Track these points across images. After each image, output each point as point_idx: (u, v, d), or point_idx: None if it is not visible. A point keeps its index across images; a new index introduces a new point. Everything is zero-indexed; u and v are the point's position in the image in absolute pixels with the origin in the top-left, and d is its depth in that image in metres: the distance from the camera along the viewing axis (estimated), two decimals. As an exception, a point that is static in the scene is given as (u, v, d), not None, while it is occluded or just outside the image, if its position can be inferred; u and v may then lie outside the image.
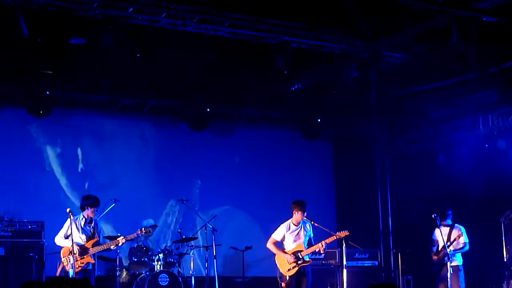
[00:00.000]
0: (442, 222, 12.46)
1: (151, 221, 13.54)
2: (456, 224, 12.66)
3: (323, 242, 11.38)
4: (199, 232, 13.94)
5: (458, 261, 12.35)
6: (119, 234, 11.57)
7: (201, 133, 15.03)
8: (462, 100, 14.68)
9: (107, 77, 13.67)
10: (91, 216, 11.21)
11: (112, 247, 11.31)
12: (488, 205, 14.22)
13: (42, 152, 14.42)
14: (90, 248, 11.06)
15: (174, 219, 15.26)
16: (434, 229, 12.62)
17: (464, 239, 12.53)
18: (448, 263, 11.86)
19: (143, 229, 11.74)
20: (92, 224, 11.25)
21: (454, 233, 12.50)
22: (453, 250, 12.30)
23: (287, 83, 13.90)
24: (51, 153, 14.48)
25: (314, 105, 15.47)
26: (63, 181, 14.47)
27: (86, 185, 14.35)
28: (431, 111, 15.31)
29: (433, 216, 12.08)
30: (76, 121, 14.73)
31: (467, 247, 12.47)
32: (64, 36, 11.40)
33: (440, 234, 12.28)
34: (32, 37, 10.88)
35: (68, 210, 10.86)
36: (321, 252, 11.66)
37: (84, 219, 11.19)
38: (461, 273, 12.28)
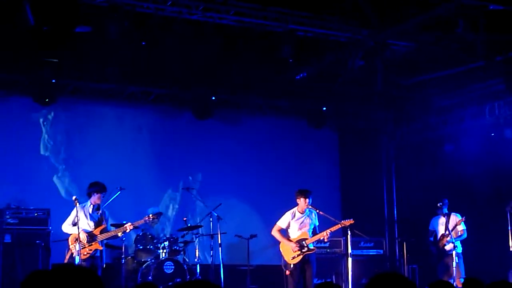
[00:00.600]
0: (442, 212, 12.49)
1: (157, 209, 13.58)
2: (452, 213, 12.69)
3: (327, 230, 11.41)
4: (204, 220, 13.96)
5: (458, 249, 12.37)
6: (125, 222, 11.60)
7: (206, 121, 15.03)
8: (469, 89, 14.65)
9: (112, 66, 13.66)
10: (98, 202, 11.27)
11: (119, 233, 11.38)
12: (494, 194, 14.22)
13: (47, 140, 14.42)
14: (98, 235, 11.11)
15: (177, 207, 15.29)
16: (431, 219, 12.66)
17: (462, 226, 12.57)
18: (454, 251, 11.88)
19: (150, 215, 11.81)
20: (100, 211, 11.31)
21: (452, 221, 12.53)
22: (455, 238, 12.32)
23: (292, 71, 13.87)
24: (56, 141, 14.49)
25: (320, 94, 15.45)
26: (67, 169, 14.48)
27: (90, 173, 14.32)
28: (437, 100, 15.29)
29: (438, 205, 12.10)
30: (81, 109, 14.75)
31: (465, 235, 12.52)
32: (70, 24, 11.37)
33: (440, 224, 12.33)
34: (37, 25, 10.87)
35: (74, 197, 10.92)
36: (325, 240, 11.71)
37: (91, 205, 11.25)
38: (461, 261, 12.32)
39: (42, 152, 14.37)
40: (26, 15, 10.60)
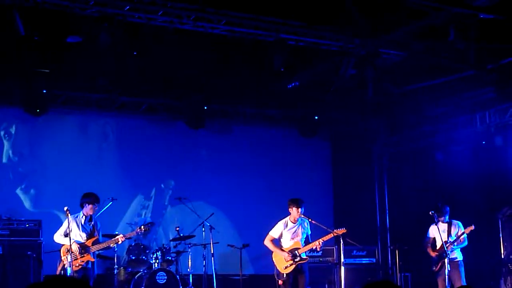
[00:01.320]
0: (440, 219, 12.46)
1: (148, 219, 13.56)
2: (453, 220, 12.67)
3: (320, 240, 11.40)
4: (196, 230, 13.93)
5: (459, 256, 12.36)
6: (117, 233, 11.57)
7: (198, 131, 15.03)
8: (460, 97, 14.68)
9: (104, 76, 13.65)
10: (91, 213, 11.23)
11: (111, 245, 11.35)
12: (486, 201, 14.25)
13: (38, 150, 14.38)
14: (91, 246, 11.07)
15: (169, 217, 15.27)
16: (430, 226, 12.63)
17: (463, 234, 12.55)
18: (446, 259, 11.86)
19: (142, 227, 11.77)
20: (92, 222, 11.27)
21: (454, 229, 12.50)
22: (456, 245, 12.30)
23: (284, 80, 13.87)
24: (48, 152, 14.45)
25: (312, 102, 15.47)
26: (60, 179, 14.44)
27: (82, 184, 14.29)
28: (429, 108, 15.32)
29: (430, 213, 12.08)
30: (73, 119, 14.72)
31: (466, 242, 12.50)
32: (61, 34, 11.37)
33: (438, 231, 12.29)
34: (28, 35, 10.85)
35: (65, 208, 10.87)
36: (318, 249, 11.72)
37: (84, 216, 11.21)
38: (462, 269, 12.29)
39: (33, 161, 14.31)
40: (16, 25, 10.58)
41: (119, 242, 11.35)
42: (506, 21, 11.28)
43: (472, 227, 12.37)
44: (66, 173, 14.47)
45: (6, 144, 14.21)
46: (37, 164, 14.36)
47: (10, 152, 14.25)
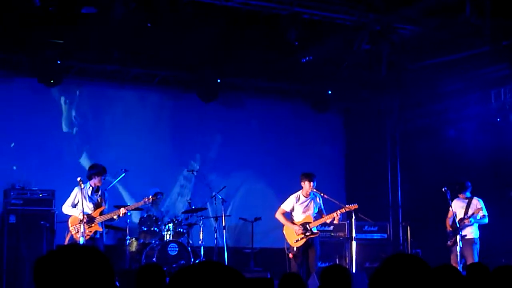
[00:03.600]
0: (461, 195, 12.45)
1: (156, 189, 13.52)
2: (474, 197, 12.62)
3: (338, 211, 11.42)
4: (208, 202, 13.98)
5: (474, 233, 12.33)
6: (129, 203, 11.61)
7: (211, 104, 15.02)
8: (474, 74, 14.60)
9: (117, 47, 13.65)
10: (98, 184, 11.29)
11: (115, 217, 11.39)
12: (499, 178, 14.20)
13: (53, 121, 14.43)
14: (97, 217, 11.15)
15: (185, 190, 15.29)
16: (451, 201, 12.55)
17: (483, 211, 12.50)
18: (458, 236, 11.86)
19: (150, 196, 11.83)
20: (99, 193, 11.33)
21: (473, 206, 12.48)
22: (475, 221, 12.26)
23: (298, 55, 13.83)
24: (62, 124, 14.50)
25: (325, 77, 15.41)
26: (77, 150, 14.49)
27: (95, 154, 14.34)
28: (443, 85, 15.24)
29: (443, 189, 12.07)
30: (86, 90, 14.74)
31: (486, 220, 12.45)
32: (75, 5, 11.37)
33: (456, 206, 12.28)
34: (43, 5, 10.85)
35: (78, 178, 10.93)
36: (336, 222, 11.72)
37: (91, 188, 11.27)
38: (476, 246, 12.27)
39: (47, 132, 14.34)
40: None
41: (121, 215, 11.39)
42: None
43: (480, 206, 12.35)
44: (77, 143, 14.51)
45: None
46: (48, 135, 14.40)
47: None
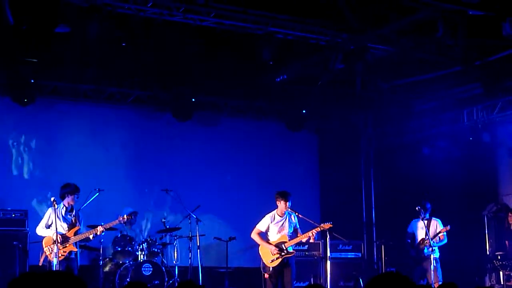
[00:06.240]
0: (420, 216, 12.56)
1: (130, 209, 13.42)
2: (433, 218, 12.77)
3: (313, 230, 11.41)
4: (182, 222, 13.91)
5: (435, 253, 12.45)
6: (102, 224, 11.52)
7: (186, 123, 14.99)
8: (447, 93, 14.73)
9: (92, 66, 13.60)
10: (72, 203, 11.21)
11: (90, 236, 11.31)
12: (472, 198, 14.30)
13: (23, 140, 14.32)
14: (71, 237, 11.06)
15: (159, 209, 15.20)
16: (410, 222, 12.75)
17: (443, 233, 12.65)
18: (432, 255, 11.95)
19: (125, 216, 11.75)
20: (73, 213, 11.23)
21: (433, 227, 12.62)
22: (436, 243, 12.41)
23: (272, 74, 13.88)
24: (34, 142, 14.39)
25: (300, 96, 15.47)
26: (44, 168, 14.38)
27: (66, 174, 14.21)
28: (416, 104, 15.36)
29: (417, 208, 12.15)
30: (60, 110, 14.65)
31: (445, 240, 12.60)
32: (50, 24, 11.30)
33: (417, 227, 12.42)
34: (17, 24, 10.79)
35: (52, 198, 10.84)
36: (311, 240, 11.72)
37: (64, 207, 11.18)
38: (439, 265, 12.40)
39: (19, 151, 14.23)
40: (5, 14, 10.51)
41: (98, 233, 11.28)
42: (494, 17, 11.31)
43: (448, 228, 12.49)
44: (50, 162, 14.40)
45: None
46: (23, 153, 14.27)
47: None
